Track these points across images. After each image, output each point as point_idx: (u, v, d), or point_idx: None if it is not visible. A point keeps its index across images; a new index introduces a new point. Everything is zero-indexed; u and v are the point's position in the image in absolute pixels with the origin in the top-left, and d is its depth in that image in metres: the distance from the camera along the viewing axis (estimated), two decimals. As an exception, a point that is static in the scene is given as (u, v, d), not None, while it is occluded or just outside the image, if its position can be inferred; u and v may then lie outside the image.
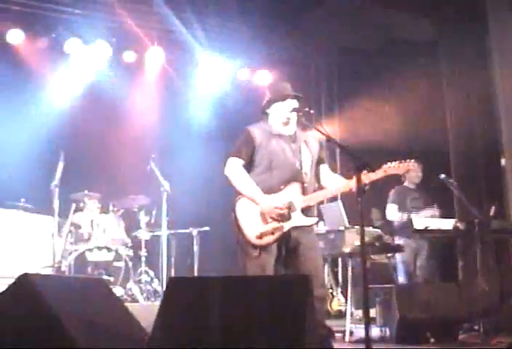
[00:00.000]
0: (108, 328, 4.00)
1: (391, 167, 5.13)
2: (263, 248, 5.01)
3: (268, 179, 5.14)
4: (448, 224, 7.29)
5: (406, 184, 8.68)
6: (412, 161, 5.17)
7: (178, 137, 10.62)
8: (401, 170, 5.19)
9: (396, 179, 8.11)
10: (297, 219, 5.07)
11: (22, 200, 8.61)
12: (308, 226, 5.16)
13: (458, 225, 7.28)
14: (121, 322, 4.23)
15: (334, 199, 7.95)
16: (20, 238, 8.30)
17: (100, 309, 4.16)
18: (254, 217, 5.06)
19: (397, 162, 5.14)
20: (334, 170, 5.64)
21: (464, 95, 9.77)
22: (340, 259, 8.87)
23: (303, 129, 5.46)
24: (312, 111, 5.36)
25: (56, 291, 3.91)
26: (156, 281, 8.91)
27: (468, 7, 9.24)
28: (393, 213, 8.51)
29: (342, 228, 7.35)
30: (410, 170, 8.02)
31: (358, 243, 6.73)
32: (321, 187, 5.42)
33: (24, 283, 3.78)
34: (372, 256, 7.69)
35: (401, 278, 8.23)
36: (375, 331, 6.57)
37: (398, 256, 8.20)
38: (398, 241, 8.11)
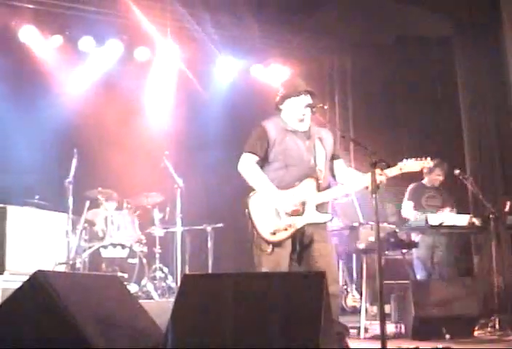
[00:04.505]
0: (122, 325, 4.00)
1: (407, 165, 5.10)
2: (277, 244, 4.99)
3: (283, 176, 5.12)
4: (463, 220, 7.26)
5: (424, 181, 8.61)
6: (428, 158, 5.13)
7: (192, 133, 10.62)
8: (417, 167, 5.16)
9: (414, 175, 8.03)
10: (311, 216, 5.05)
11: (36, 197, 8.63)
12: (322, 223, 5.14)
13: (473, 220, 7.24)
14: (135, 319, 4.23)
15: (348, 195, 7.91)
16: (34, 235, 8.31)
17: (114, 306, 4.16)
18: (268, 214, 5.04)
19: (413, 159, 5.11)
20: (348, 166, 5.60)
21: (478, 91, 9.73)
22: (354, 255, 8.83)
23: (317, 125, 5.43)
24: (326, 107, 5.33)
25: (70, 288, 3.91)
26: (170, 277, 8.92)
27: (481, 2, 9.19)
28: (408, 210, 8.45)
29: (356, 224, 7.33)
30: (434, 172, 8.05)
31: (372, 239, 6.71)
32: (336, 184, 5.40)
33: (38, 280, 3.79)
34: (387, 252, 7.66)
35: (418, 275, 8.19)
36: (390, 328, 6.56)
37: (414, 252, 8.15)
38: (415, 237, 8.06)
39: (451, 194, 8.58)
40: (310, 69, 11.18)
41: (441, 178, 8.50)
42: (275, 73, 11.42)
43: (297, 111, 5.22)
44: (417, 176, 8.37)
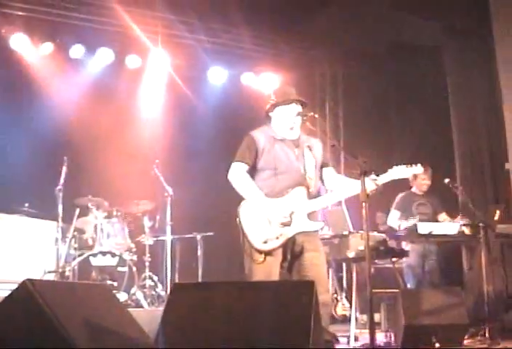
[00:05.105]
0: (111, 334, 3.97)
1: (397, 171, 5.11)
2: (268, 253, 4.98)
3: (273, 184, 5.12)
4: (453, 228, 7.26)
5: (413, 190, 8.64)
6: (419, 165, 5.15)
7: (182, 141, 10.61)
8: (408, 174, 5.17)
9: (403, 184, 8.05)
10: (302, 224, 5.04)
11: (26, 205, 8.60)
12: (313, 231, 5.13)
13: (463, 229, 7.25)
14: (124, 328, 4.21)
15: (338, 204, 7.91)
16: (24, 243, 8.30)
17: (103, 315, 4.14)
18: (259, 222, 5.03)
19: (403, 166, 5.13)
20: (338, 174, 5.60)
21: (468, 99, 9.76)
22: (344, 264, 8.83)
23: (307, 134, 5.43)
24: (316, 116, 5.34)
25: (58, 297, 3.88)
26: (160, 286, 8.89)
27: (472, 12, 9.23)
28: (393, 220, 8.48)
29: (346, 233, 7.32)
30: (418, 177, 8.08)
31: (362, 247, 6.70)
32: (326, 192, 5.40)
33: (27, 288, 3.76)
34: (377, 260, 7.66)
35: (409, 283, 8.18)
36: (380, 336, 6.55)
37: (405, 260, 8.16)
38: (406, 246, 8.07)
39: (440, 200, 8.60)
40: (301, 77, 11.20)
41: (427, 182, 8.52)
42: (266, 81, 11.44)
43: (288, 119, 5.23)
44: (406, 185, 8.44)
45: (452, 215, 8.23)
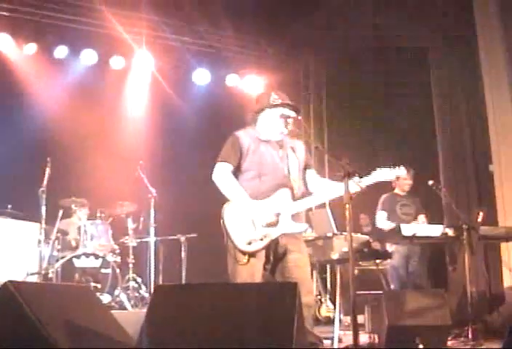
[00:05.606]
0: (93, 336, 3.95)
1: (381, 174, 5.11)
2: (252, 254, 4.97)
3: (257, 185, 5.10)
4: (436, 230, 7.28)
5: (396, 191, 8.67)
6: (402, 167, 5.15)
7: (166, 143, 10.59)
8: (391, 176, 5.17)
9: (385, 185, 8.06)
10: (287, 226, 5.03)
11: (9, 206, 8.56)
12: (297, 233, 5.13)
13: (446, 231, 7.26)
14: (106, 330, 4.19)
15: (322, 205, 7.93)
16: (7, 244, 8.25)
17: (85, 317, 4.12)
18: (243, 223, 5.02)
19: (386, 168, 5.13)
20: (322, 176, 5.60)
21: (453, 101, 9.80)
22: (328, 266, 8.83)
23: (290, 135, 5.42)
24: (300, 118, 5.32)
25: (41, 299, 3.86)
26: (143, 287, 8.87)
27: (460, 14, 9.26)
28: (382, 221, 8.49)
29: (330, 235, 7.32)
30: (400, 177, 8.08)
31: (346, 249, 6.70)
32: (309, 194, 5.39)
33: (8, 290, 3.74)
34: (361, 262, 7.66)
35: (393, 284, 8.20)
36: (364, 338, 6.55)
37: (388, 262, 8.17)
38: (390, 247, 8.08)
39: (422, 201, 8.64)
40: (285, 79, 11.21)
41: (409, 182, 8.57)
42: (250, 83, 11.44)
43: (281, 123, 5.18)
44: (388, 186, 8.47)
45: (430, 217, 8.25)
